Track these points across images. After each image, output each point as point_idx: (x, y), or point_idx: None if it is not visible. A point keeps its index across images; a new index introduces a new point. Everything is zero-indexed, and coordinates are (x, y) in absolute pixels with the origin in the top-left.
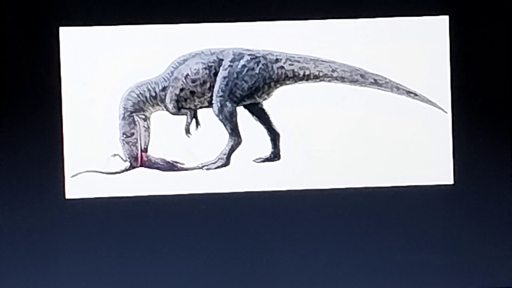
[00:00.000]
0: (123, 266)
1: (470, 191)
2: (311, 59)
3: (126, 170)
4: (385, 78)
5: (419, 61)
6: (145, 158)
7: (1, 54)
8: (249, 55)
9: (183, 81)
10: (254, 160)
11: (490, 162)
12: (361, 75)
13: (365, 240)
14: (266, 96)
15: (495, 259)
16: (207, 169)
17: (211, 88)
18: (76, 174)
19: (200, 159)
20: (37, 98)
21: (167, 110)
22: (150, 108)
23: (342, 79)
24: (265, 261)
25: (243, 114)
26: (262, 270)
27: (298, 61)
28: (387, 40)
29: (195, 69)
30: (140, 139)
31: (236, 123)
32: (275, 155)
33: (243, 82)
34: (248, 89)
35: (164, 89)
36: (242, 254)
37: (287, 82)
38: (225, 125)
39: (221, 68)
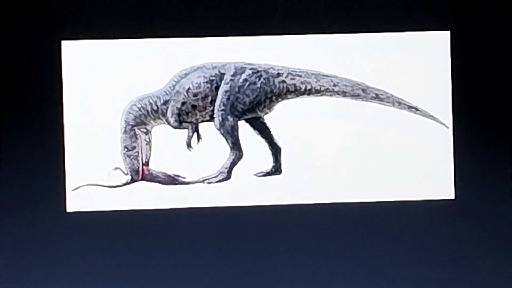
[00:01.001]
0: (124, 279)
1: (471, 206)
2: (313, 74)
3: (127, 183)
4: (387, 93)
5: (420, 76)
6: (146, 172)
7: (4, 67)
8: (250, 69)
9: (184, 95)
10: (255, 174)
11: (491, 177)
12: (363, 90)
13: (366, 255)
14: (267, 110)
15: (496, 273)
16: (208, 183)
17: (213, 102)
18: (77, 188)
19: (201, 173)
20: (39, 111)
21: (169, 123)
22: (152, 121)
23: (343, 94)
24: (266, 274)
25: (244, 128)
26: (264, 283)
27: (300, 76)
28: (388, 55)
29: (196, 83)
30: (142, 153)
31: (238, 137)
32: (276, 169)
33: (244, 96)
34: (249, 103)
35: (165, 102)
36: (243, 267)
37: (289, 96)
38: (226, 139)
39: (222, 82)
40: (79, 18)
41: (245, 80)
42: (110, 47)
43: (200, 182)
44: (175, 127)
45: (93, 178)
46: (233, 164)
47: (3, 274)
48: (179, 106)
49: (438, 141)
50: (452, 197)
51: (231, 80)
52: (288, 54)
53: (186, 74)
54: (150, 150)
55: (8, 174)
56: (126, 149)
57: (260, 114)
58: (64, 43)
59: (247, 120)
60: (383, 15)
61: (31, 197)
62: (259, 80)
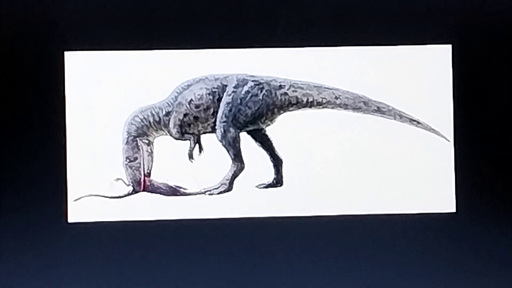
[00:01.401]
0: None
1: (473, 219)
2: (315, 86)
3: (129, 194)
4: (388, 106)
5: (422, 89)
6: (148, 183)
7: (7, 77)
8: (252, 81)
9: (186, 106)
10: (256, 186)
11: (493, 190)
12: (364, 103)
13: (367, 267)
14: (269, 122)
15: (497, 286)
16: (210, 194)
17: (215, 113)
18: (79, 198)
19: (203, 184)
20: (41, 122)
21: (171, 135)
22: (154, 132)
23: (345, 106)
24: (266, 286)
25: (246, 140)
26: None
27: (302, 88)
28: (390, 68)
29: (199, 95)
30: (143, 164)
31: (239, 149)
32: (277, 181)
33: (246, 108)
34: (251, 115)
35: (167, 114)
36: (243, 279)
37: (291, 108)
38: (228, 151)
39: (224, 94)
40: (82, 29)
41: (247, 92)
42: (113, 58)
43: (202, 193)
44: (177, 139)
45: (95, 188)
46: (234, 175)
47: (4, 284)
48: (181, 118)
49: (440, 154)
50: (453, 210)
51: (233, 92)
52: (290, 67)
53: (188, 86)
54: (152, 161)
55: (10, 184)
56: (128, 160)
57: (261, 126)
58: (67, 54)
59: (248, 132)
60: (385, 29)
61: (33, 207)
62: (261, 92)
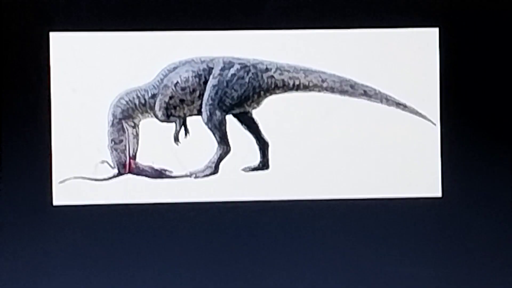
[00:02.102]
0: (110, 273)
1: (458, 204)
2: (301, 69)
3: (114, 177)
4: (375, 89)
5: (408, 73)
6: (133, 165)
7: None
8: (239, 64)
9: (172, 89)
10: (242, 169)
11: (479, 175)
12: (351, 86)
13: (352, 252)
14: (255, 105)
15: (483, 271)
16: (196, 177)
17: (201, 96)
18: (64, 181)
19: (188, 167)
20: (26, 104)
21: (156, 117)
22: (139, 115)
23: (331, 90)
24: (253, 269)
25: (232, 123)
26: (251, 278)
27: (288, 71)
28: (377, 52)
29: (185, 77)
30: (129, 146)
31: (225, 132)
32: (263, 165)
33: (232, 90)
34: (237, 98)
35: (153, 96)
36: (229, 263)
37: (277, 91)
38: (214, 134)
39: (211, 76)
40: (67, 10)
41: (234, 74)
42: (99, 40)
43: (187, 176)
44: (162, 121)
45: (80, 171)
46: (220, 158)
47: None
48: (167, 100)
49: (426, 138)
50: (439, 195)
51: (219, 74)
52: (276, 49)
53: (174, 68)
54: (138, 143)
55: None
56: (113, 143)
57: (248, 109)
58: (52, 35)
59: (235, 115)
60: (371, 12)
61: (17, 189)
62: (247, 75)
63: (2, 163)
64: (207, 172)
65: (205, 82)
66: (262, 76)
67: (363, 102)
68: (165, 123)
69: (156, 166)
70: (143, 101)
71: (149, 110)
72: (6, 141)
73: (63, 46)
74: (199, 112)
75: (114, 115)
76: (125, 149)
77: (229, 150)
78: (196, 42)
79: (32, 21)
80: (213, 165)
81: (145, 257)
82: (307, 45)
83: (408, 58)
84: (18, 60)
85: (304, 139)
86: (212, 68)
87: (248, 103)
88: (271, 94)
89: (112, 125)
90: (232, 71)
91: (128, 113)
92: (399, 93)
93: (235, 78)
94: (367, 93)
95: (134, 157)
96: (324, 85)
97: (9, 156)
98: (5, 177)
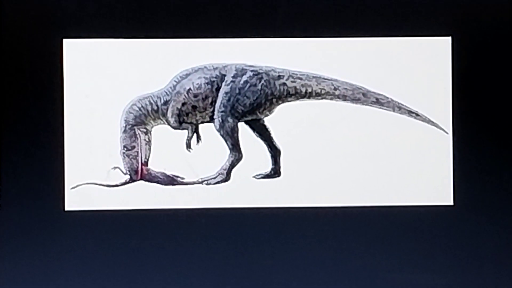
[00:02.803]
0: (122, 278)
1: (470, 212)
2: (314, 77)
3: (126, 183)
4: (387, 98)
5: (421, 81)
6: (145, 172)
7: (5, 65)
8: (251, 71)
9: (185, 96)
10: (254, 176)
11: (490, 183)
12: (363, 94)
13: (363, 260)
14: (267, 113)
15: (494, 280)
16: (207, 184)
17: (213, 103)
18: (76, 186)
19: (200, 174)
20: (39, 110)
21: (169, 124)
22: (152, 121)
23: (344, 97)
24: (264, 277)
25: (244, 130)
26: (261, 285)
27: (301, 78)
28: (389, 60)
29: (197, 84)
30: (141, 153)
31: (237, 139)
32: (275, 172)
33: (245, 98)
34: (249, 105)
35: (166, 103)
36: (240, 270)
37: (289, 99)
38: (226, 141)
39: (223, 83)
40: (81, 16)
41: (246, 82)
42: (112, 46)
43: (199, 183)
44: (175, 128)
45: (92, 177)
46: (232, 165)
47: (0, 272)
48: (179, 107)
49: (438, 147)
50: (451, 203)
51: (231, 81)
52: (289, 57)
53: (187, 75)
54: (150, 150)
55: (7, 172)
56: (125, 149)
57: (260, 116)
58: (66, 42)
59: (247, 122)
60: (384, 20)
61: (30, 195)
62: (259, 82)
63: (15, 169)
64: (219, 179)
65: (218, 89)
66: (274, 83)
67: (375, 110)
68: (177, 130)
69: (168, 173)
70: (155, 108)
71: (161, 117)
72: (19, 147)
73: (77, 52)
74: (211, 119)
75: (126, 121)
76: (137, 155)
77: (241, 157)
78: (208, 49)
79: (46, 27)
80: (225, 172)
81: (157, 263)
82: (320, 53)
83: (421, 67)
84: (31, 66)
85: (315, 146)
86: (225, 75)
87: (260, 110)
88: (283, 101)
89: (125, 131)
90: (245, 78)
91: (141, 120)
92: (412, 101)
93: (248, 85)
94: (379, 101)
95: (146, 164)
96: (337, 92)
97: (22, 162)
98: (18, 182)
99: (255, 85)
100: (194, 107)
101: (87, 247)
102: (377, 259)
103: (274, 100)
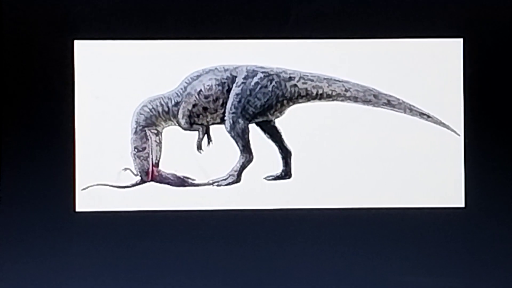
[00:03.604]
0: (132, 279)
1: (482, 215)
2: (325, 78)
3: (137, 184)
4: (398, 99)
5: (432, 83)
6: (156, 173)
7: (16, 66)
8: (262, 72)
9: (196, 97)
10: (265, 178)
11: (502, 185)
12: (374, 96)
13: (375, 262)
14: (278, 114)
15: (507, 283)
16: (218, 185)
17: (224, 104)
18: (87, 187)
19: (211, 175)
20: (50, 111)
21: (179, 125)
22: (163, 123)
23: (355, 99)
24: (274, 278)
25: (255, 132)
26: (272, 287)
27: (312, 80)
28: (401, 61)
29: (208, 85)
30: (152, 154)
31: (248, 140)
32: (286, 173)
33: (255, 99)
34: (260, 106)
35: (176, 104)
36: (251, 271)
37: (300, 100)
38: (236, 142)
39: (234, 84)
40: (92, 18)
41: (257, 83)
42: (123, 48)
43: (210, 184)
44: (185, 129)
45: (103, 178)
46: (243, 167)
47: (11, 273)
48: (190, 108)
49: (449, 148)
50: (462, 205)
51: (242, 83)
52: (300, 58)
53: (197, 76)
54: (160, 151)
55: (18, 173)
56: (136, 150)
57: (271, 117)
58: (77, 43)
59: (257, 124)
60: (396, 22)
61: (41, 196)
62: (270, 83)
63: (26, 170)
64: (230, 180)
65: (228, 91)
66: (285, 85)
67: (386, 111)
68: (188, 131)
69: (179, 174)
70: (166, 109)
71: (172, 118)
72: (30, 148)
73: (88, 54)
74: (222, 121)
75: (137, 123)
76: (148, 156)
77: (252, 158)
78: (219, 51)
79: (57, 29)
80: (236, 174)
81: (167, 264)
82: (331, 54)
83: (432, 68)
84: (42, 68)
85: (326, 148)
86: (236, 77)
87: (271, 112)
88: (294, 103)
89: (135, 132)
90: (256, 79)
91: (151, 121)
92: (423, 103)
93: (259, 86)
94: (390, 103)
95: (157, 165)
96: (348, 94)
97: (33, 163)
98: (29, 183)
99: (266, 86)
100: (205, 109)
101: (97, 248)
102: (388, 262)
103: (285, 101)
